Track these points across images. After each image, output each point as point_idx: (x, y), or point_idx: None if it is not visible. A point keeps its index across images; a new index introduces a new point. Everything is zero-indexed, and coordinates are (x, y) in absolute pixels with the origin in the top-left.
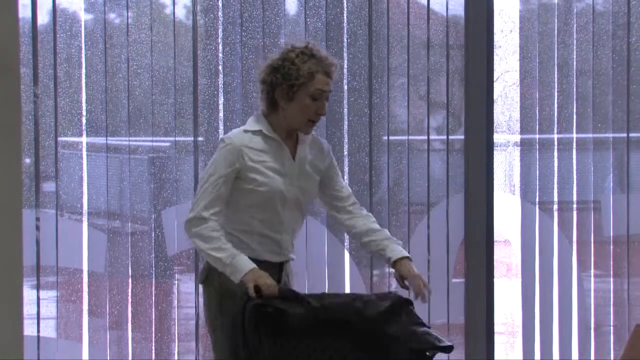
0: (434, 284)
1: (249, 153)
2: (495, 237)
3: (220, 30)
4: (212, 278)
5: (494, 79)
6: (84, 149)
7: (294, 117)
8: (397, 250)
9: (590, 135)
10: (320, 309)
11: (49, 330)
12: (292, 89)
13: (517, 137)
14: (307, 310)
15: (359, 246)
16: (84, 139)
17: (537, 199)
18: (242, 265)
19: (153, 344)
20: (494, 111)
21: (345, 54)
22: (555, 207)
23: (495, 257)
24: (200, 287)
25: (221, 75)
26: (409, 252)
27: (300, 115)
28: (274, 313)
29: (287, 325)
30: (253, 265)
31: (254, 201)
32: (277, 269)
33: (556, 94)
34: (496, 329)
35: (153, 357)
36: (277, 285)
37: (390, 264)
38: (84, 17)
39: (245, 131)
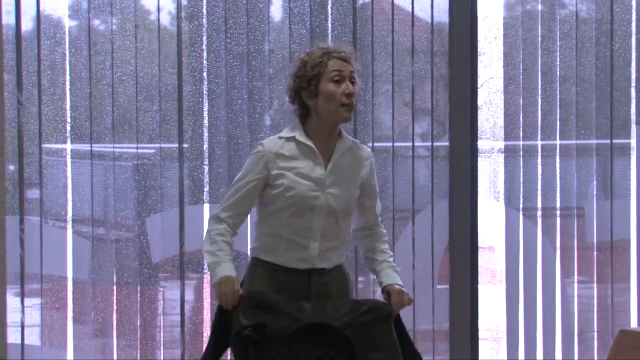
0: (418, 290)
1: (278, 160)
2: (480, 244)
3: (204, 37)
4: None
5: (478, 86)
6: (69, 156)
7: (325, 109)
8: (391, 276)
9: (574, 141)
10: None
11: (33, 338)
12: (311, 84)
13: (501, 144)
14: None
15: (363, 256)
16: (68, 146)
17: (521, 206)
18: (219, 273)
19: (138, 352)
20: (478, 118)
21: None
22: (539, 213)
23: (480, 263)
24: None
25: (206, 82)
26: (393, 259)
27: (330, 104)
28: (254, 335)
29: (270, 337)
30: (230, 274)
31: (281, 206)
32: (305, 277)
33: (540, 100)
34: (480, 334)
35: None
36: (239, 295)
37: (382, 287)
38: (68, 23)
39: (280, 137)
